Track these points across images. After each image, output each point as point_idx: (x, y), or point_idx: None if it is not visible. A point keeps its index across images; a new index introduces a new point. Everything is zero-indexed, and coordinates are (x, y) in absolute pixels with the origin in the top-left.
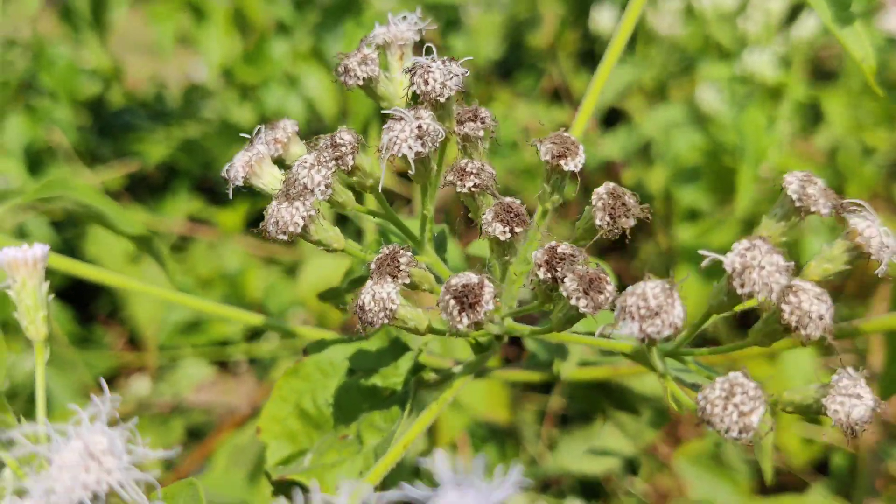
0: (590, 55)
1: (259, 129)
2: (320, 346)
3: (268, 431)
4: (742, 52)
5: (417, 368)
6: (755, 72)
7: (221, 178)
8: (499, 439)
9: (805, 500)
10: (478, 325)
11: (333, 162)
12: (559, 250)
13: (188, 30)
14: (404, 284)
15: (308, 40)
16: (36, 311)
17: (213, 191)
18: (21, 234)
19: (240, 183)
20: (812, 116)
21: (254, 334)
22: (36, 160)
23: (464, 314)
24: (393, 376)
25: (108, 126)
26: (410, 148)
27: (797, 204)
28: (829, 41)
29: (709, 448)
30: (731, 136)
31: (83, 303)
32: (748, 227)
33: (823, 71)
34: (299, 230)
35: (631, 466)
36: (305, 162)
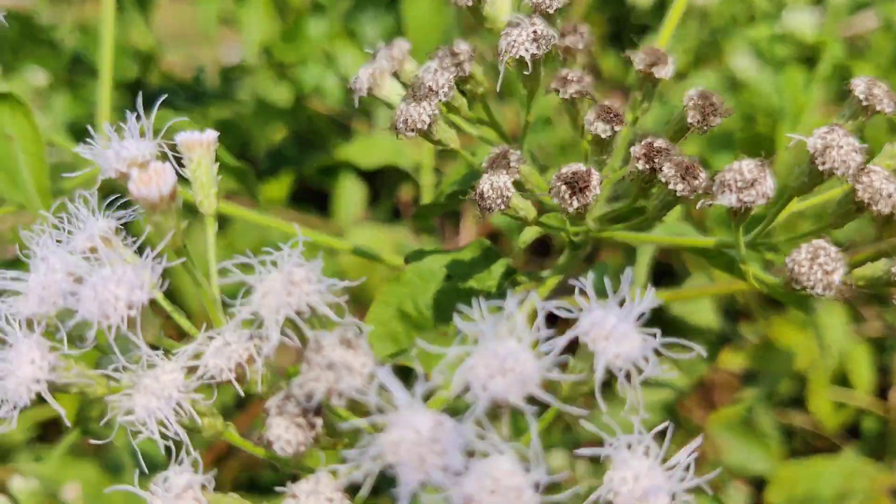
0: (617, 37)
1: (379, 48)
2: (419, 255)
3: (372, 333)
4: (779, 16)
5: (510, 272)
6: (795, 30)
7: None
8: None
9: (836, 461)
10: (586, 208)
11: (454, 68)
12: (655, 144)
13: (229, 12)
14: (514, 180)
15: (341, 22)
16: (209, 187)
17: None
18: None
19: (364, 93)
20: (843, 90)
21: None
22: (78, 138)
23: (574, 198)
24: (487, 280)
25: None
26: (527, 50)
27: (864, 103)
28: (853, 19)
29: (741, 414)
30: (766, 100)
31: None
32: (782, 189)
33: (851, 51)
34: (426, 127)
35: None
36: (430, 67)
